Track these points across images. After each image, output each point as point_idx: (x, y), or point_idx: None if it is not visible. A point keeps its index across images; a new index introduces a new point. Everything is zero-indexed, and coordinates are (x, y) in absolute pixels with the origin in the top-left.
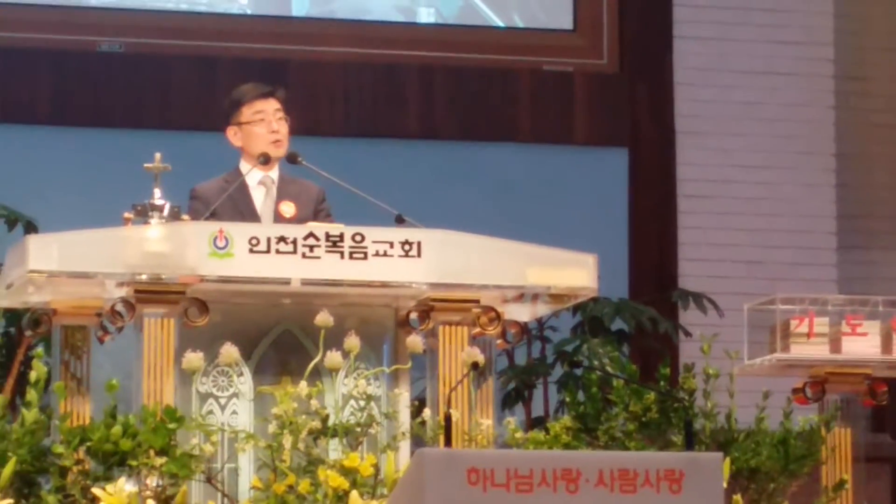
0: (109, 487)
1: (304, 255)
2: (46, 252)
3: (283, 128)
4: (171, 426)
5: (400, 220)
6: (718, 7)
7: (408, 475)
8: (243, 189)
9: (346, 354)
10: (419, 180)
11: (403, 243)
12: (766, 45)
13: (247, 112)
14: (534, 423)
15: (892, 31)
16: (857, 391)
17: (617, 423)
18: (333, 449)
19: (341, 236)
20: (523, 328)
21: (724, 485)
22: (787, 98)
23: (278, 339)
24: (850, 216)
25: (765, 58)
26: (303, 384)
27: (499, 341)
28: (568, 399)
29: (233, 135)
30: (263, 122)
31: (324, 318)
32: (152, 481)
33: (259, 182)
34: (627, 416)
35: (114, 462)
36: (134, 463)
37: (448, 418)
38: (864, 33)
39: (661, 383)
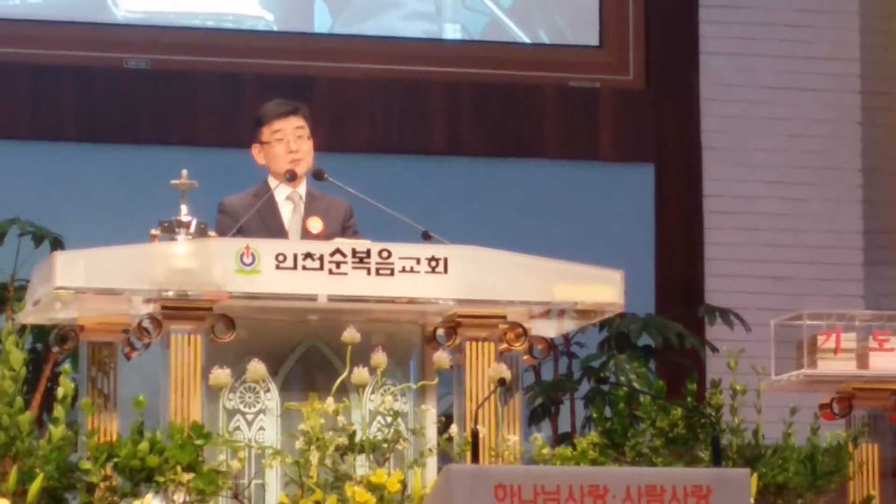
0: (136, 503)
1: (330, 272)
2: (73, 269)
3: (303, 146)
4: (199, 442)
5: (426, 237)
6: (744, 23)
7: (435, 491)
8: (271, 204)
9: (372, 370)
10: (445, 197)
11: (430, 259)
12: (793, 60)
13: (267, 131)
14: (561, 438)
15: None
16: (884, 407)
17: (644, 438)
18: (360, 465)
19: (368, 253)
20: (550, 344)
21: (752, 501)
22: (813, 114)
23: (305, 355)
24: (877, 232)
25: (791, 73)
26: (330, 400)
27: (525, 357)
28: (595, 415)
29: (256, 153)
30: (282, 142)
31: (350, 335)
32: (179, 497)
33: (287, 198)
34: (654, 431)
35: (141, 478)
36: (161, 479)
37: (475, 434)
38: (891, 48)
39: (689, 399)
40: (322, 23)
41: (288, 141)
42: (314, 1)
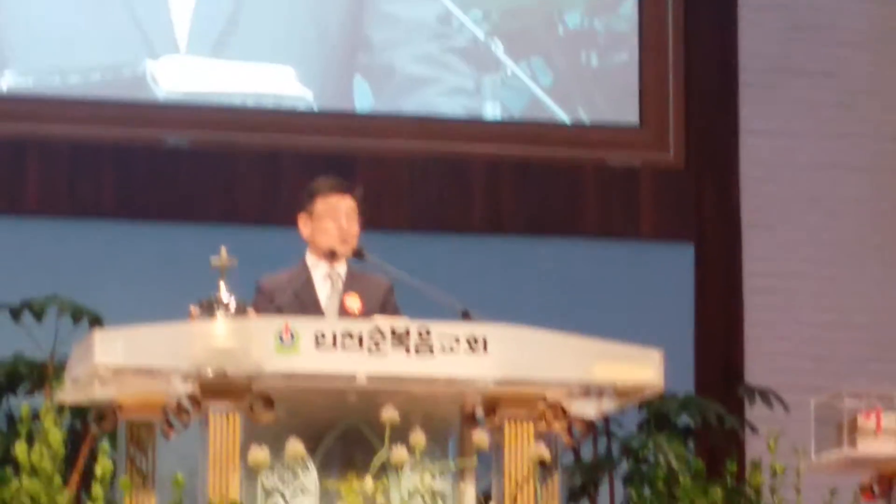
0: None
1: (369, 351)
2: (112, 347)
3: (353, 227)
4: None
5: (466, 315)
6: (785, 101)
7: None
8: (309, 283)
9: (411, 450)
10: (485, 275)
11: (469, 338)
12: (834, 139)
13: (321, 204)
14: None
15: None
16: None
17: None
18: None
19: (407, 331)
20: (589, 424)
21: None
22: (854, 192)
23: (344, 434)
24: None
25: (832, 152)
26: (368, 480)
27: (565, 437)
28: (634, 495)
29: (303, 223)
30: (334, 219)
31: (389, 414)
32: None
33: (325, 276)
34: None
35: None
36: None
37: None
38: None
39: (728, 480)
40: (362, 99)
41: (340, 219)
42: (354, 78)
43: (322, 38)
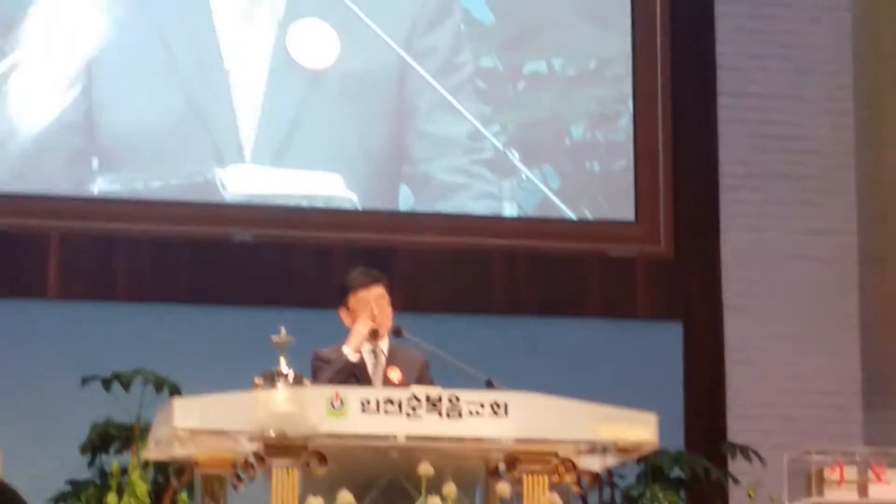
0: None
1: (408, 415)
2: (189, 412)
3: (385, 310)
4: None
5: (489, 384)
6: (758, 201)
7: None
8: (357, 357)
9: (444, 500)
10: (505, 349)
11: (492, 404)
12: (799, 234)
13: (353, 299)
14: None
15: None
16: None
17: None
18: None
19: (440, 398)
20: (595, 476)
21: None
22: (817, 279)
23: (387, 486)
24: (875, 378)
25: (797, 244)
26: None
27: (575, 488)
28: None
29: (344, 315)
30: (366, 310)
31: (425, 469)
32: None
33: (370, 351)
34: None
35: None
36: None
37: None
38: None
39: None
40: (405, 201)
41: (371, 307)
42: (399, 185)
43: (367, 151)
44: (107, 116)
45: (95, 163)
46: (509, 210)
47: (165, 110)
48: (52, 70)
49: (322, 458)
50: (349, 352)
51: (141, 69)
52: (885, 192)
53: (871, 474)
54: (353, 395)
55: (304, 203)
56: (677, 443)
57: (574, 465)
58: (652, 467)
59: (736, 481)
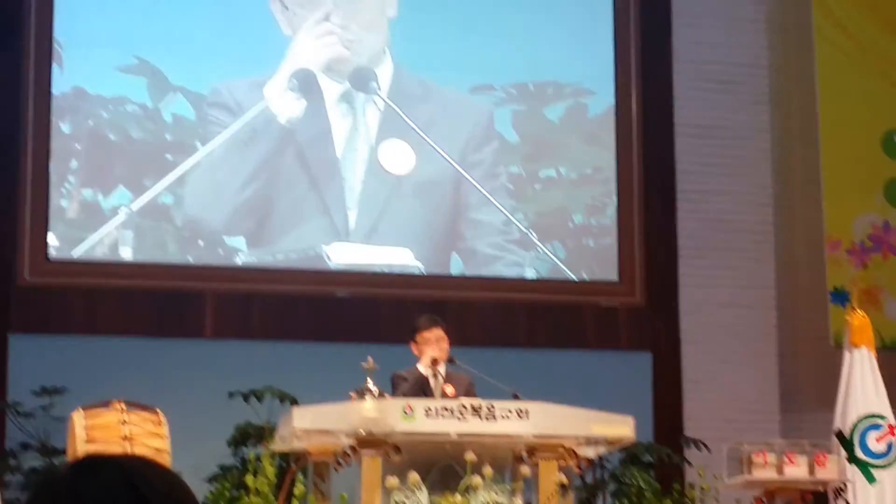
0: None
1: (458, 419)
2: (304, 417)
3: (443, 345)
4: None
5: (515, 396)
6: (709, 266)
7: None
8: (424, 378)
9: (483, 478)
10: (526, 371)
11: (518, 410)
12: (739, 288)
13: (420, 337)
14: None
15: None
16: (794, 499)
17: None
18: None
19: (480, 406)
20: (590, 461)
21: None
22: (753, 322)
23: (443, 469)
24: (788, 391)
25: (738, 296)
26: (458, 496)
27: (575, 469)
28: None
29: (413, 348)
30: (429, 344)
31: (470, 456)
32: None
33: (432, 374)
34: None
35: None
36: None
37: None
38: (796, 279)
39: (675, 495)
40: (456, 267)
41: (433, 343)
42: (451, 255)
43: (431, 232)
44: (248, 207)
45: (241, 241)
46: (530, 274)
47: (292, 205)
48: (218, 169)
49: (398, 449)
50: (423, 368)
51: (279, 174)
52: (795, 260)
53: (785, 459)
54: (419, 404)
55: (386, 269)
56: (648, 436)
57: (575, 453)
58: (630, 454)
59: (690, 464)
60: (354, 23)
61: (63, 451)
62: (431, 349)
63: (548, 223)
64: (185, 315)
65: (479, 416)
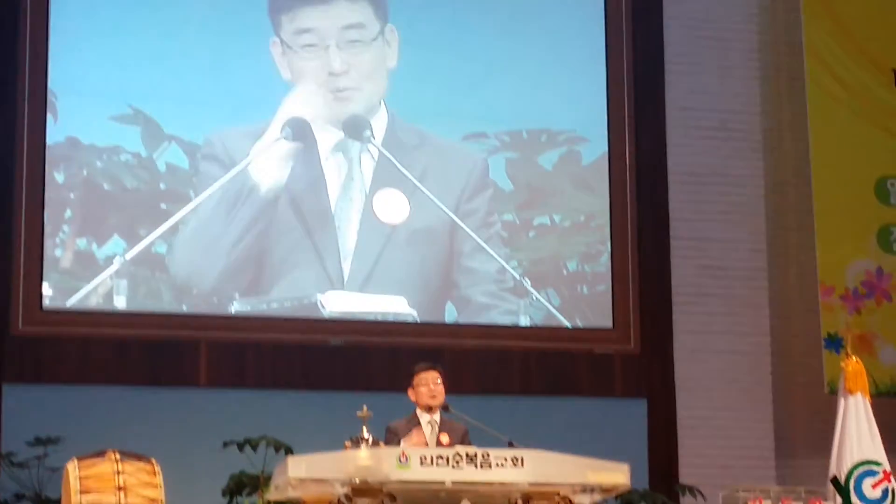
0: None
1: (453, 467)
2: (299, 466)
3: (439, 388)
4: None
5: (510, 444)
6: (700, 314)
7: None
8: (418, 427)
9: None
10: (521, 420)
11: (513, 458)
12: (732, 335)
13: (416, 380)
14: None
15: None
16: None
17: None
18: None
19: (476, 454)
20: None
21: None
22: (745, 369)
23: None
24: (783, 438)
25: (730, 342)
26: None
27: None
28: None
29: (410, 394)
30: (426, 387)
31: None
32: None
33: (427, 422)
34: None
35: None
36: None
37: None
38: (789, 325)
39: None
40: (450, 315)
41: (429, 387)
42: (446, 303)
43: (426, 281)
44: (242, 256)
45: (234, 291)
46: (524, 321)
47: (289, 254)
48: (213, 219)
49: (393, 498)
50: (420, 413)
51: (272, 224)
52: (788, 307)
53: None
54: (414, 453)
55: (380, 317)
56: (643, 484)
57: (571, 501)
58: (626, 501)
59: None
60: (356, 70)
61: (57, 502)
62: (428, 390)
63: (542, 270)
64: (180, 364)
65: (475, 465)
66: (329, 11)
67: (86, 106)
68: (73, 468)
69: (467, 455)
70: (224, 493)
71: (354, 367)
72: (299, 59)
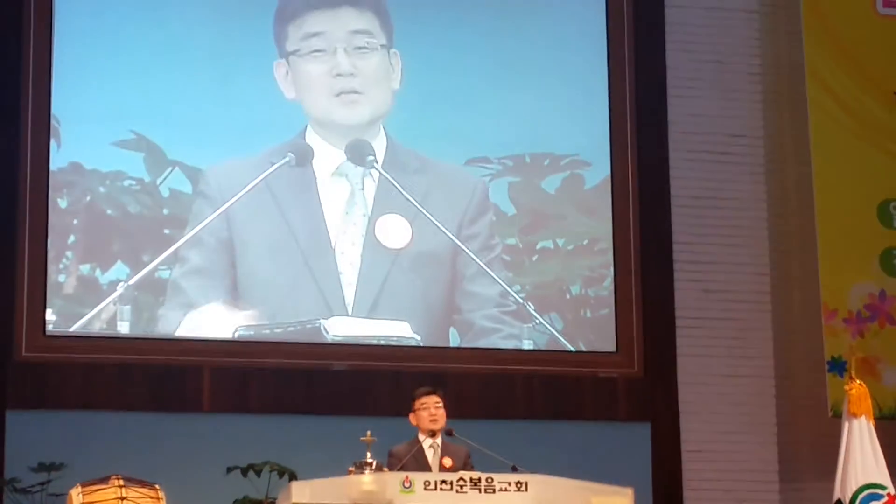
0: None
1: (457, 491)
2: (303, 491)
3: (440, 411)
4: None
5: (514, 469)
6: (704, 336)
7: None
8: (421, 451)
9: None
10: (525, 444)
11: (517, 483)
12: (735, 358)
13: (417, 404)
14: None
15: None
16: None
17: None
18: None
19: (479, 479)
20: None
21: None
22: (748, 392)
23: None
24: (787, 461)
25: (733, 366)
26: None
27: None
28: None
29: (412, 418)
30: (427, 411)
31: None
32: None
33: (429, 446)
34: None
35: None
36: None
37: None
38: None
39: None
40: (454, 339)
41: (430, 410)
42: (450, 328)
43: (428, 305)
44: (246, 282)
45: (238, 316)
46: (527, 345)
47: (290, 279)
48: (209, 252)
49: None
50: (422, 437)
51: (274, 250)
52: (792, 330)
53: None
54: (418, 477)
55: (383, 342)
56: None
57: None
58: None
59: None
60: (363, 75)
61: None
62: (429, 414)
63: (545, 294)
64: (183, 389)
65: (478, 489)
66: (337, 17)
67: (89, 131)
68: (76, 494)
69: (471, 479)
70: None
71: (358, 391)
72: (306, 63)
